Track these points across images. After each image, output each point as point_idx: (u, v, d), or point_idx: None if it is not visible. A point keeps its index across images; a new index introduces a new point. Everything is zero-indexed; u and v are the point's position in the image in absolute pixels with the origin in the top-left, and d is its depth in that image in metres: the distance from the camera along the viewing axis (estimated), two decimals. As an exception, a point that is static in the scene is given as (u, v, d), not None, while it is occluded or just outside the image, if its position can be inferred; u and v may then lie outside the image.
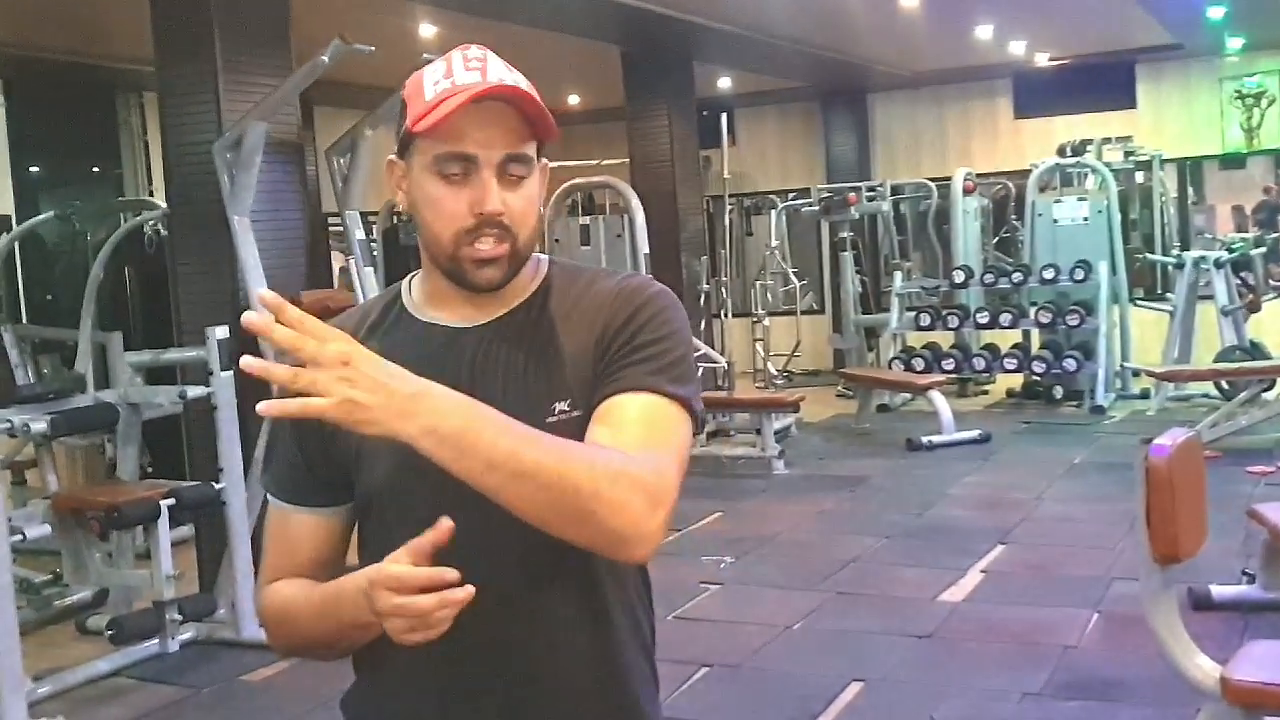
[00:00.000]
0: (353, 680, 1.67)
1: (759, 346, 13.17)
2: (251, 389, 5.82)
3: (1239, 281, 10.75)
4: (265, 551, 1.65)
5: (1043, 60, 13.30)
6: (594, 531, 1.38)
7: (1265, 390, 9.14)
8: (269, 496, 1.64)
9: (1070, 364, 10.85)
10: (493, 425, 1.35)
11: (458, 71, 1.49)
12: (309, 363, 1.30)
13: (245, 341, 5.88)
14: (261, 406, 1.31)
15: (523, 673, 1.54)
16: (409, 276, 1.65)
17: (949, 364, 11.27)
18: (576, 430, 1.47)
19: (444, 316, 1.58)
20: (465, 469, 1.33)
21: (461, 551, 1.36)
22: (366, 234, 7.22)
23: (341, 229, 6.95)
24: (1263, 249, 10.87)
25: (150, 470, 7.75)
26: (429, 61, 1.56)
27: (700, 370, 9.43)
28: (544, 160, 1.57)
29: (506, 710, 1.54)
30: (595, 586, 1.56)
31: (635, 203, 9.81)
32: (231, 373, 5.63)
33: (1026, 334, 11.61)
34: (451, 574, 1.33)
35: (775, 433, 9.32)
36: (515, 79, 1.50)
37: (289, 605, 1.57)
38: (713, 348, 10.92)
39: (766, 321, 13.09)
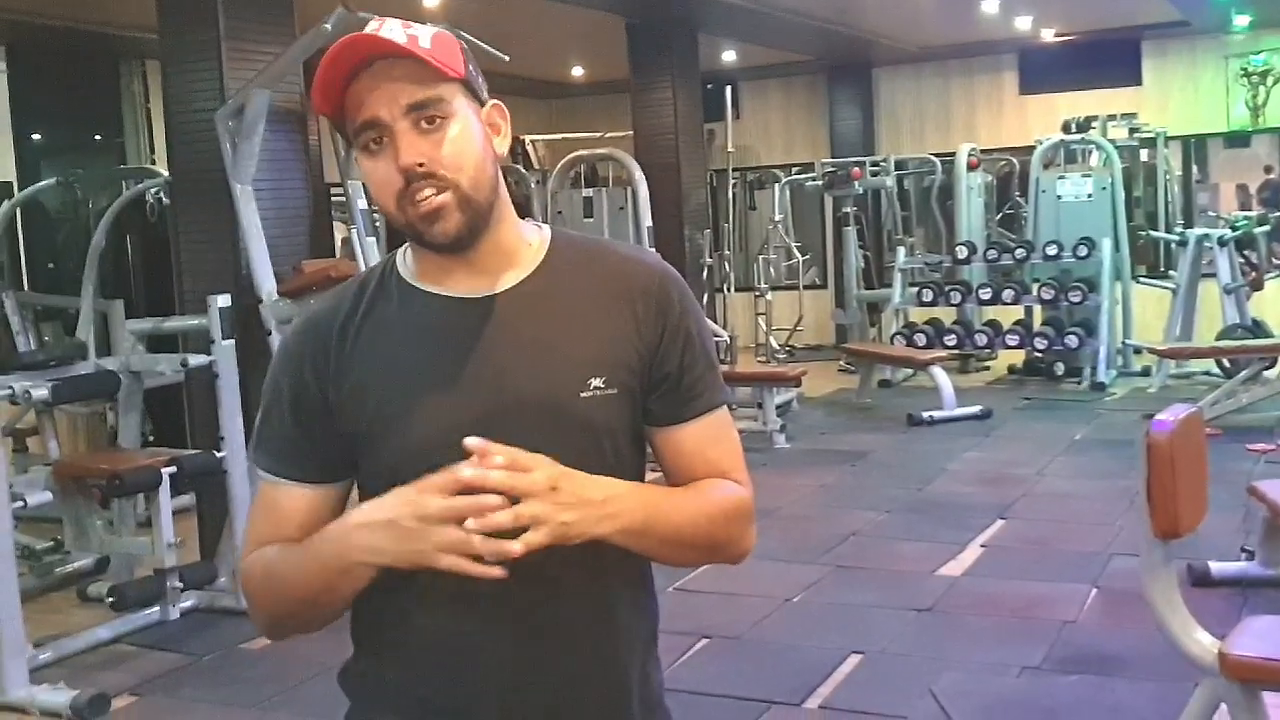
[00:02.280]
0: (350, 653, 1.65)
1: (761, 321, 13.16)
2: (253, 357, 5.84)
3: (1242, 260, 10.73)
4: (251, 526, 1.60)
5: (1048, 36, 13.25)
6: (711, 559, 1.59)
7: (1266, 368, 9.13)
8: (260, 470, 1.59)
9: (1072, 341, 10.85)
10: (664, 508, 1.49)
11: (333, 55, 1.46)
12: (523, 496, 1.34)
13: (246, 309, 5.90)
14: (486, 549, 1.33)
15: (539, 648, 1.53)
16: (402, 247, 1.61)
17: (951, 340, 11.27)
18: (610, 407, 1.51)
19: (446, 287, 1.54)
20: (638, 545, 1.47)
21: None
22: (368, 204, 7.20)
23: (344, 199, 6.94)
24: (1266, 227, 10.84)
25: (152, 438, 7.76)
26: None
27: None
28: (495, 102, 1.54)
29: (519, 686, 1.53)
30: (615, 562, 1.54)
31: (639, 175, 9.79)
32: (233, 341, 5.63)
33: (1029, 310, 11.60)
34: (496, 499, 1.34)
35: (777, 407, 9.32)
36: (388, 30, 1.45)
37: (270, 564, 1.53)
38: (715, 322, 10.90)
39: (769, 296, 13.07)
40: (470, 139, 1.48)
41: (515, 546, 1.32)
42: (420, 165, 1.44)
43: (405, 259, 1.59)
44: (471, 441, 1.35)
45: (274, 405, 1.57)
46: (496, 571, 1.34)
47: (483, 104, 1.52)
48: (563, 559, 1.40)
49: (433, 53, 1.45)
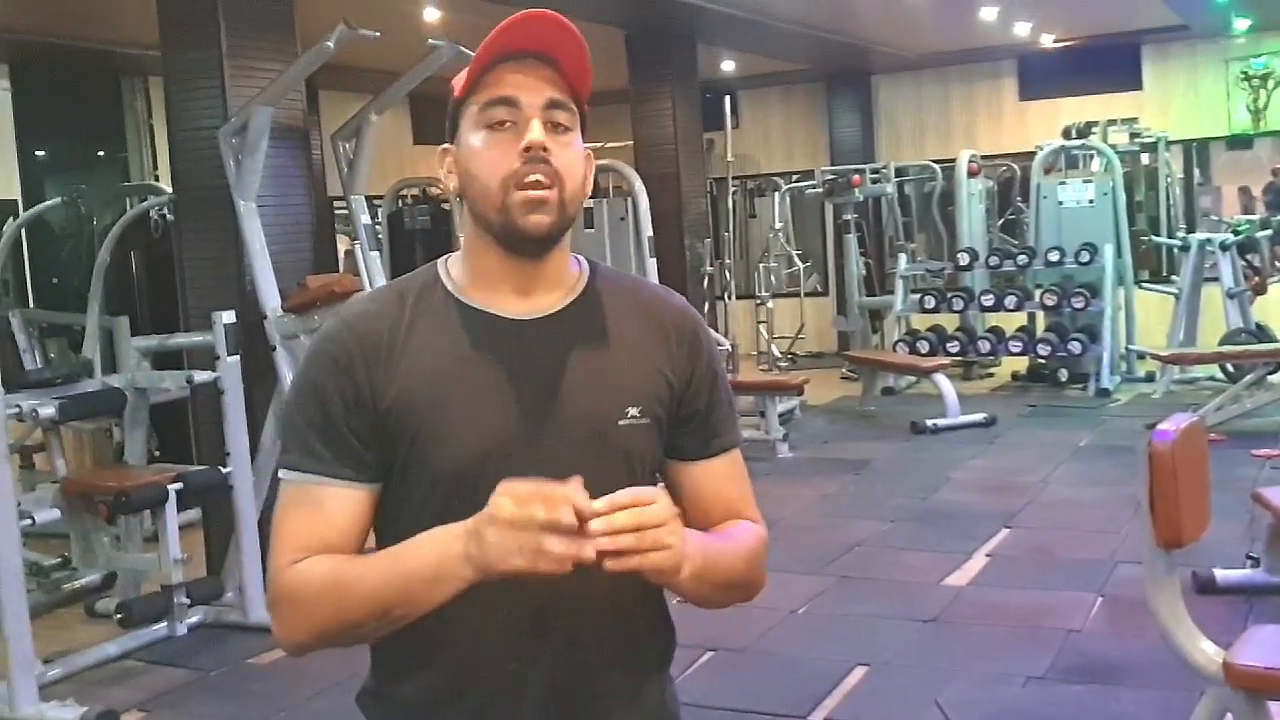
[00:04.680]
0: (368, 674, 1.66)
1: (763, 329, 13.17)
2: (258, 373, 5.86)
3: (1244, 264, 10.74)
4: (286, 531, 1.53)
5: (1048, 41, 13.26)
6: (742, 598, 1.64)
7: (1270, 373, 9.13)
8: (296, 474, 1.54)
9: (1075, 347, 10.84)
10: (712, 554, 1.51)
11: (502, 26, 1.53)
12: (649, 526, 1.35)
13: (251, 325, 5.91)
14: (612, 565, 1.35)
15: (573, 673, 1.56)
16: (444, 258, 1.64)
17: (954, 347, 11.27)
18: (643, 436, 1.57)
19: (495, 305, 1.56)
20: (696, 588, 1.48)
21: None
22: (372, 218, 7.22)
23: (347, 213, 6.96)
24: (1268, 231, 10.84)
25: (158, 454, 7.77)
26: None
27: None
28: (589, 151, 1.61)
29: (553, 710, 1.56)
30: (650, 591, 1.59)
31: (639, 185, 9.80)
32: (238, 357, 5.65)
33: (1031, 317, 11.61)
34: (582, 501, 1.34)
35: (779, 415, 9.32)
36: (563, 28, 1.52)
37: (336, 573, 1.48)
38: (716, 330, 10.91)
39: (770, 304, 13.09)
40: (579, 159, 1.56)
41: (590, 551, 1.33)
42: (545, 150, 1.50)
43: (449, 273, 1.61)
44: (587, 507, 1.34)
45: (317, 406, 1.54)
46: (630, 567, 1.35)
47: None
48: (589, 580, 1.42)
49: (585, 75, 1.54)
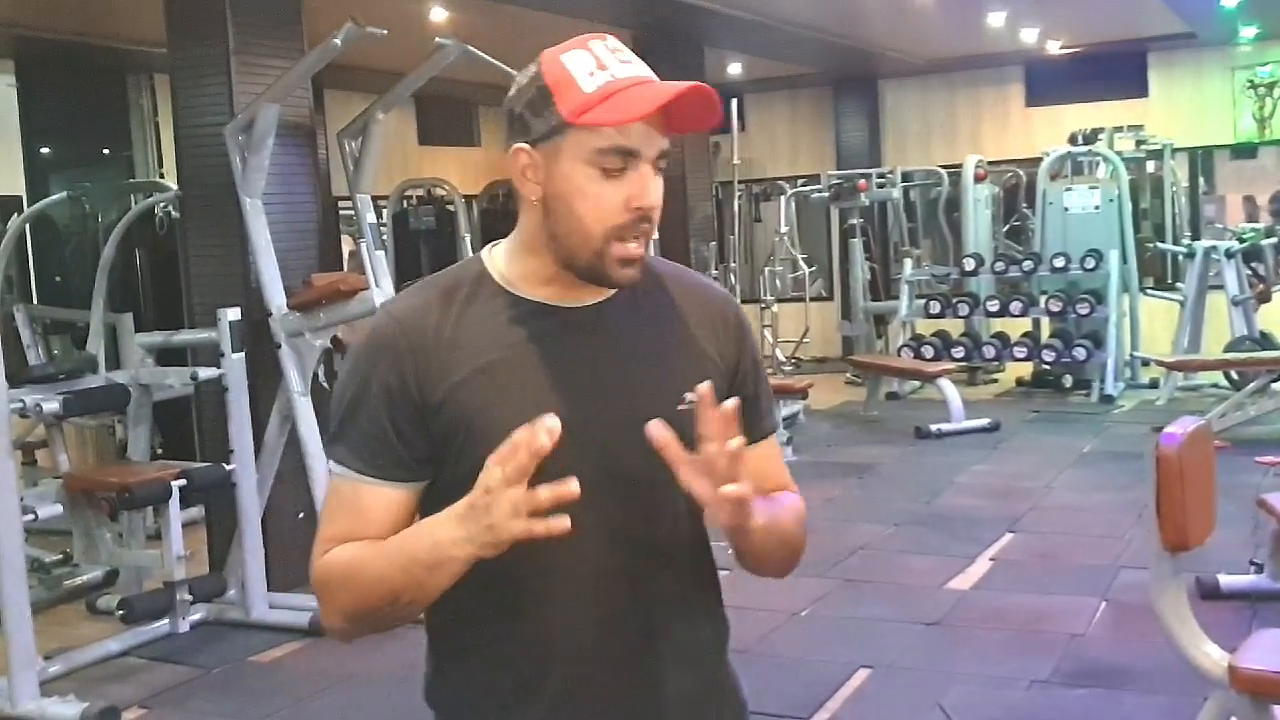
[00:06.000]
0: (428, 666, 1.68)
1: (767, 333, 13.14)
2: (263, 370, 5.86)
3: (1249, 271, 10.72)
4: (327, 523, 1.57)
5: (1055, 48, 13.24)
6: (789, 565, 1.70)
7: (1275, 381, 9.10)
8: (341, 468, 1.56)
9: (1080, 353, 10.84)
10: (777, 512, 1.60)
11: (611, 64, 1.50)
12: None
13: (255, 323, 5.91)
14: (549, 496, 1.35)
15: (636, 657, 1.58)
16: (486, 251, 1.63)
17: (958, 352, 11.25)
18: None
19: (547, 295, 1.57)
20: (762, 542, 1.54)
21: (593, 531, 1.46)
22: (377, 218, 7.21)
23: (352, 213, 6.95)
24: (1273, 239, 10.81)
25: (161, 451, 7.78)
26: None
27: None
28: None
29: (615, 695, 1.58)
30: (705, 577, 1.66)
31: (645, 188, 9.78)
32: (243, 354, 5.65)
33: (1036, 322, 11.59)
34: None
35: (783, 419, 9.31)
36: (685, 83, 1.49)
37: (353, 562, 1.52)
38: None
39: (775, 308, 13.06)
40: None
41: (573, 486, 1.34)
42: (656, 209, 1.51)
43: (497, 265, 1.61)
44: (702, 388, 1.43)
45: (363, 402, 1.55)
46: (564, 525, 1.35)
47: None
48: (674, 574, 1.47)
49: (716, 110, 1.52)
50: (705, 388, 1.42)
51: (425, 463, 1.55)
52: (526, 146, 1.53)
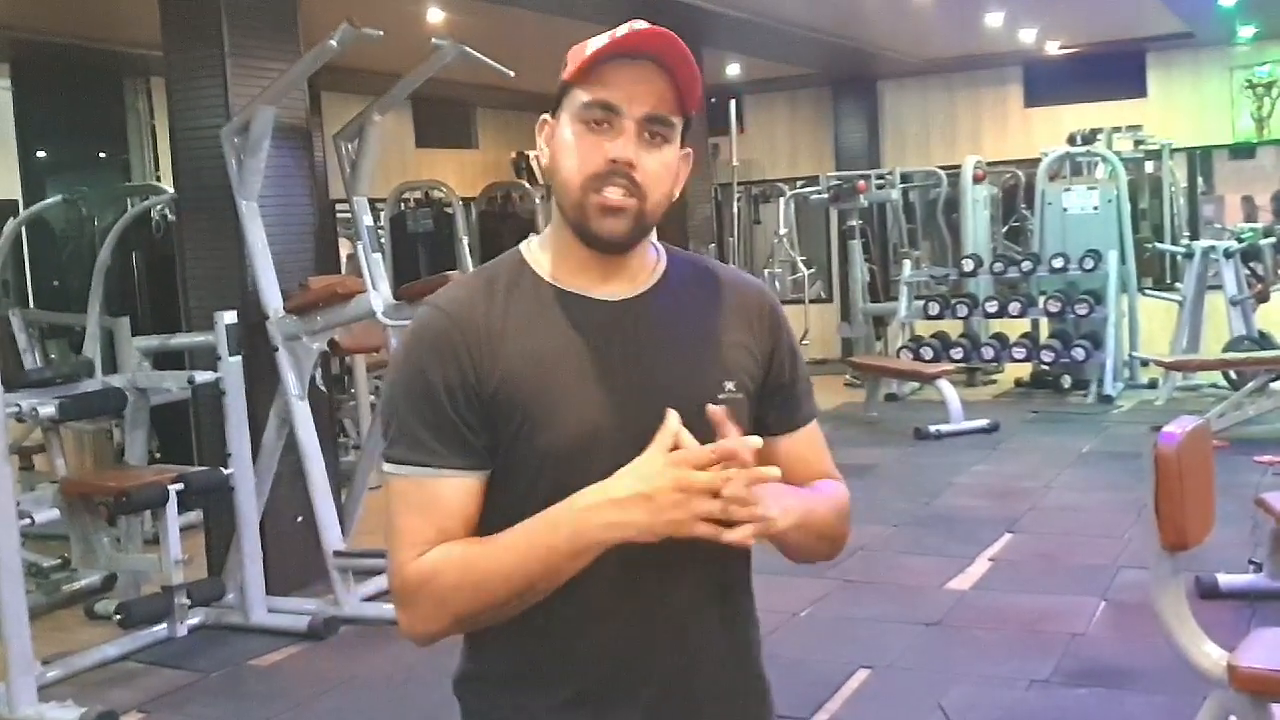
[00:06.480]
0: (464, 659, 1.67)
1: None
2: (260, 373, 5.84)
3: (1248, 271, 10.72)
4: (405, 526, 1.55)
5: (1053, 48, 13.25)
6: (833, 552, 1.69)
7: (1273, 380, 9.10)
8: (407, 468, 1.55)
9: (1079, 353, 10.83)
10: (811, 505, 1.60)
11: (619, 32, 1.54)
12: (753, 482, 1.45)
13: (252, 326, 5.90)
14: (735, 535, 1.43)
15: (673, 663, 1.59)
16: (525, 244, 1.67)
17: (957, 353, 11.24)
18: (739, 410, 1.59)
19: (587, 288, 1.60)
20: (797, 537, 1.57)
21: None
22: (374, 220, 7.20)
23: (349, 215, 6.94)
24: (1272, 239, 10.81)
25: (158, 455, 7.77)
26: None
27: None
28: (688, 149, 1.62)
29: (654, 701, 1.58)
30: (741, 583, 1.68)
31: (643, 190, 9.77)
32: (240, 357, 5.64)
33: (1035, 323, 11.58)
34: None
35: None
36: (673, 40, 1.55)
37: (468, 559, 1.51)
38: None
39: (774, 309, 13.05)
40: (671, 169, 1.59)
41: (775, 516, 1.46)
42: (630, 166, 1.53)
43: (536, 256, 1.64)
44: (714, 410, 1.47)
45: (422, 398, 1.55)
46: (749, 539, 1.44)
47: (681, 146, 1.61)
48: (681, 544, 1.47)
49: (693, 86, 1.56)
50: (717, 410, 1.47)
51: (490, 450, 1.57)
52: (547, 116, 1.61)
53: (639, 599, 1.56)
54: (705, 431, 1.49)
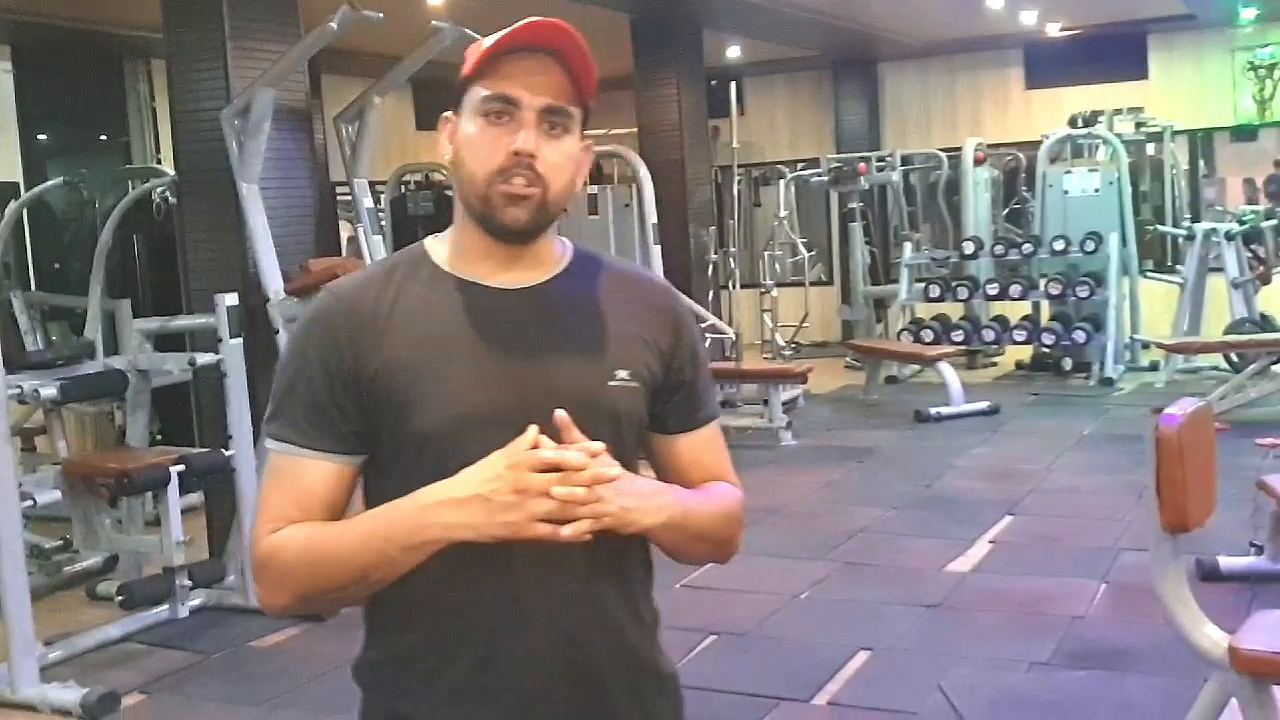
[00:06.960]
0: (362, 647, 1.67)
1: (767, 317, 13.12)
2: (261, 356, 5.84)
3: (1249, 254, 10.71)
4: (269, 500, 1.59)
5: (1054, 30, 13.22)
6: (715, 556, 1.71)
7: (1275, 363, 9.10)
8: (280, 444, 1.59)
9: (1080, 336, 10.82)
10: (692, 506, 1.62)
11: (516, 26, 1.56)
12: (592, 482, 1.47)
13: (253, 308, 5.90)
14: (569, 531, 1.45)
15: (559, 652, 1.57)
16: (431, 237, 1.69)
17: (958, 335, 11.24)
18: (632, 398, 1.63)
19: (483, 277, 1.61)
20: (672, 537, 1.59)
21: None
22: (374, 203, 7.20)
23: (349, 197, 6.94)
24: (1273, 221, 10.79)
25: (159, 437, 7.77)
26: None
27: (708, 341, 9.42)
28: (588, 141, 1.65)
29: (550, 682, 1.57)
30: (634, 552, 1.65)
31: (643, 172, 9.77)
32: (240, 339, 5.63)
33: (1036, 306, 11.57)
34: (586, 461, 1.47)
35: (783, 404, 9.31)
36: (568, 32, 1.56)
37: (312, 541, 1.54)
38: (720, 319, 10.90)
39: (774, 292, 13.03)
40: (572, 159, 1.61)
41: (617, 511, 1.47)
42: (531, 157, 1.55)
43: (437, 249, 1.66)
44: (561, 415, 1.48)
45: (300, 376, 1.59)
46: (584, 535, 1.45)
47: (581, 139, 1.64)
48: (608, 563, 1.53)
49: (588, 77, 1.59)
50: (563, 415, 1.48)
51: (363, 436, 1.58)
52: (449, 114, 1.63)
53: (523, 584, 1.55)
54: (590, 420, 1.52)
